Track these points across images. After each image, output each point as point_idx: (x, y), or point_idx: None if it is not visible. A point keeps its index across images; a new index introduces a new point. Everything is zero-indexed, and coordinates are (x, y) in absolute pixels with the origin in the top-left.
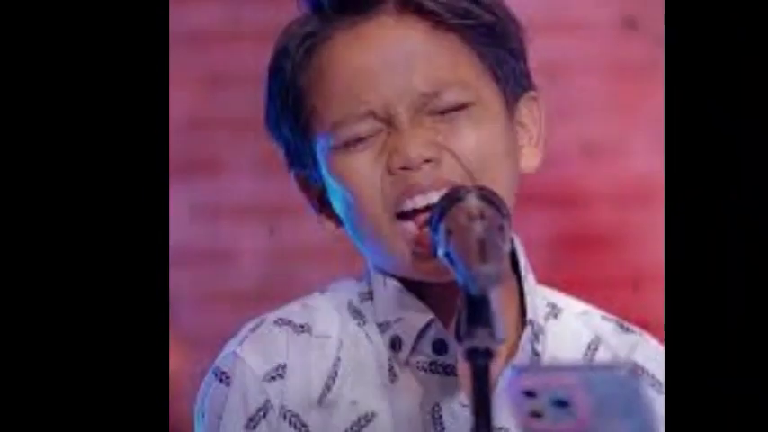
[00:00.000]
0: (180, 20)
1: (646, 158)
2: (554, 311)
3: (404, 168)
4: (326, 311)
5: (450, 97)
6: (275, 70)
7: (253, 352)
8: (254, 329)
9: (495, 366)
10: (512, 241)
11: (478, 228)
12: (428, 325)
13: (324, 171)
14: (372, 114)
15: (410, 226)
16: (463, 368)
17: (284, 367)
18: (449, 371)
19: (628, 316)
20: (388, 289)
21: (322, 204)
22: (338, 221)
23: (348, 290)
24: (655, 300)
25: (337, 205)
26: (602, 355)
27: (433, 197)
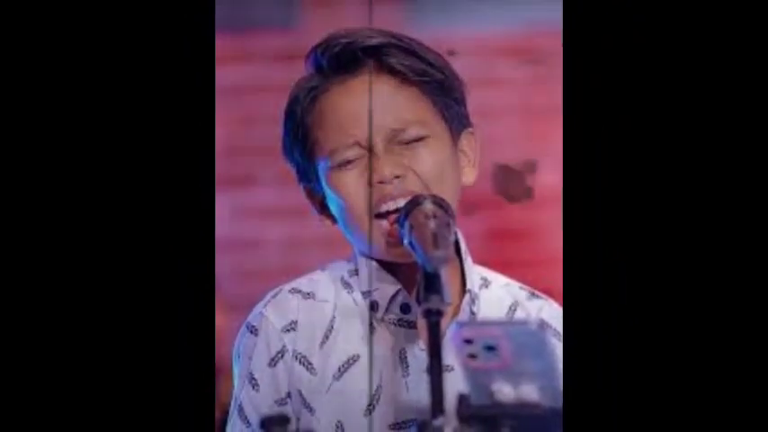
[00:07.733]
0: (223, 76)
1: (550, 174)
2: (485, 283)
3: (380, 182)
4: (326, 283)
5: (413, 132)
6: (289, 113)
7: (274, 312)
8: (274, 296)
9: (444, 322)
10: (456, 234)
11: (432, 224)
12: (397, 293)
13: (323, 184)
14: (358, 144)
15: (384, 223)
16: (421, 323)
17: (296, 323)
18: (411, 325)
19: (537, 286)
20: (369, 267)
21: (322, 208)
22: (334, 220)
23: (341, 268)
24: (556, 275)
25: (333, 208)
26: (519, 315)
27: (401, 203)
